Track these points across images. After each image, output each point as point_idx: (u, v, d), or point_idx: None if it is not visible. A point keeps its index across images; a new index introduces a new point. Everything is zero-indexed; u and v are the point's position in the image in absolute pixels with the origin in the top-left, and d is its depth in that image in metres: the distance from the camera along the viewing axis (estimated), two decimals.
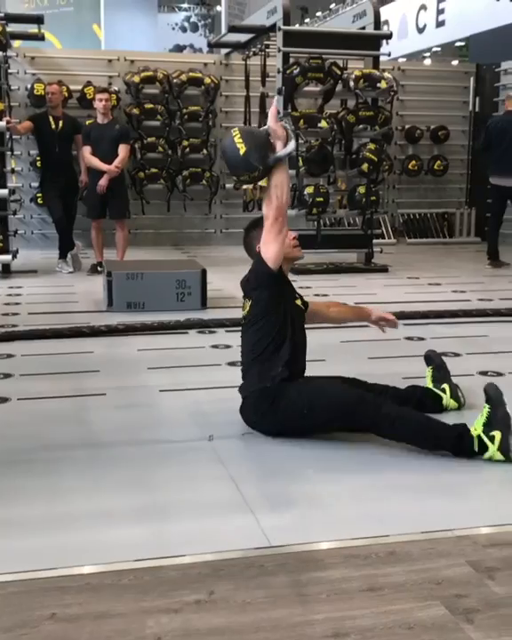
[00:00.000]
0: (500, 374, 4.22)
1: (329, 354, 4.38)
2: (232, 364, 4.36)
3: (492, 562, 2.19)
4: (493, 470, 2.87)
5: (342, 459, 2.97)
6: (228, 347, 4.77)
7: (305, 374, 3.39)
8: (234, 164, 3.16)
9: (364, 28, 8.57)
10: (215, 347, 4.78)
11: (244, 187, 9.32)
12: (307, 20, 24.12)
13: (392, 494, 2.68)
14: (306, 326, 3.46)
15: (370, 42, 8.35)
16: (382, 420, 3.01)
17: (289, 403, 3.15)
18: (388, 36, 8.78)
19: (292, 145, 3.12)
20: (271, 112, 3.18)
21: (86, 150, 7.40)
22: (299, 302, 3.50)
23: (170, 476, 2.81)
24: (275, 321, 3.29)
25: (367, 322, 3.85)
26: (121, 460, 2.96)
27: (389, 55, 9.33)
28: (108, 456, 3.01)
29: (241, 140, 3.10)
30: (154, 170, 9.50)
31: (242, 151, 3.08)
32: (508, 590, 2.04)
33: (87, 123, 7.61)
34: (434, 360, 3.74)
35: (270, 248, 3.23)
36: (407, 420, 3.02)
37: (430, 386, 3.63)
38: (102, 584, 2.09)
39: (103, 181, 7.27)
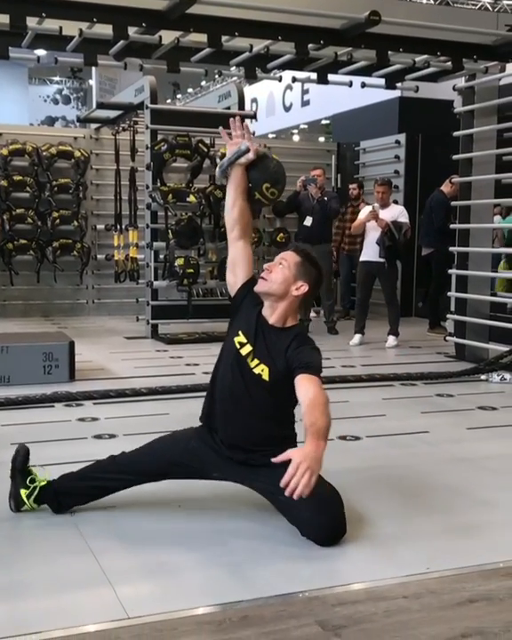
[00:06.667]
0: (357, 438, 4.42)
1: None
2: (98, 437, 4.38)
3: (339, 620, 2.30)
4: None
5: (195, 530, 3.02)
6: (94, 419, 4.78)
7: (238, 455, 2.98)
8: None
9: (229, 107, 8.98)
10: (82, 420, 4.78)
11: (116, 257, 9.43)
12: (179, 96, 24.85)
13: (244, 560, 2.75)
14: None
15: None
16: None
17: None
18: (252, 116, 9.21)
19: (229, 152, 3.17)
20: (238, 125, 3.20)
21: None
22: (238, 343, 3.00)
23: (28, 554, 2.79)
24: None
25: None
26: None
27: (254, 134, 9.73)
28: None
29: None
30: (23, 241, 9.49)
31: None
32: None
33: None
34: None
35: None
36: None
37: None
38: None
39: None
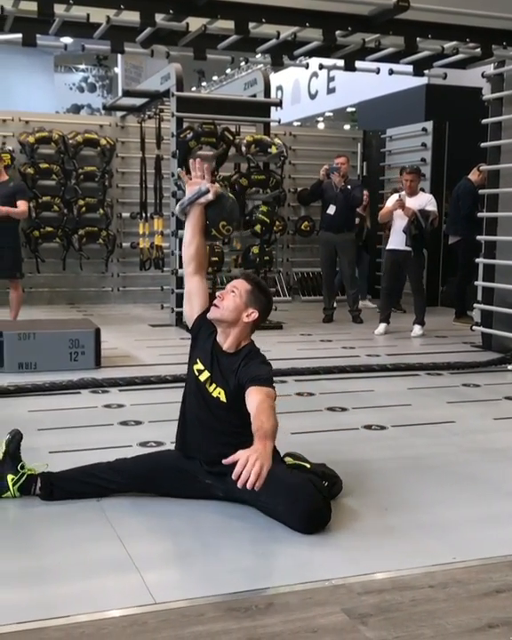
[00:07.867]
0: (383, 428, 4.41)
1: None
2: (124, 423, 4.40)
3: (366, 608, 2.30)
4: (365, 521, 3.00)
5: (221, 517, 3.03)
6: (120, 406, 4.81)
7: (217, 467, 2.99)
8: None
9: (254, 95, 8.94)
10: (108, 406, 4.81)
11: (141, 245, 9.46)
12: (203, 84, 24.78)
13: (271, 548, 2.77)
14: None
15: (260, 109, 8.72)
16: None
17: None
18: (277, 104, 9.16)
19: (189, 192, 3.33)
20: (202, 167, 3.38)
21: None
22: (197, 371, 3.17)
23: (56, 538, 2.82)
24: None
25: None
26: (6, 523, 2.96)
27: (279, 122, 9.73)
28: None
29: None
30: (49, 228, 9.55)
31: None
32: (379, 634, 2.15)
33: None
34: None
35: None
36: None
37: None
38: None
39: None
